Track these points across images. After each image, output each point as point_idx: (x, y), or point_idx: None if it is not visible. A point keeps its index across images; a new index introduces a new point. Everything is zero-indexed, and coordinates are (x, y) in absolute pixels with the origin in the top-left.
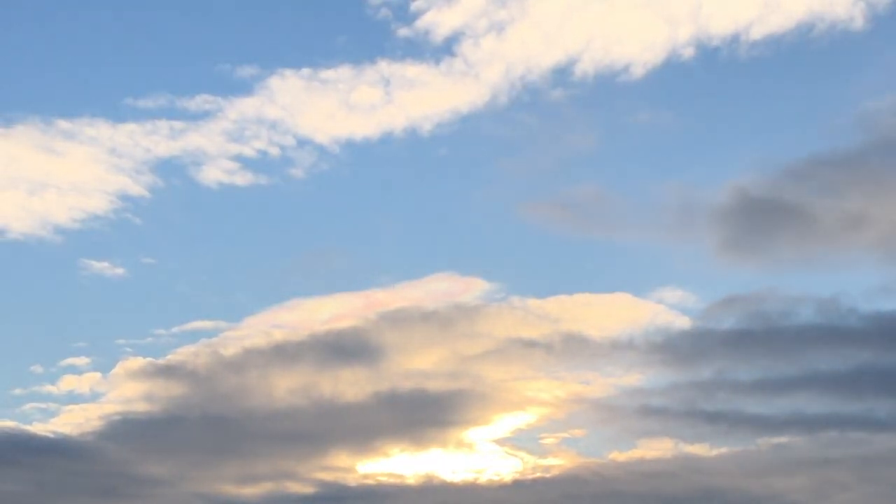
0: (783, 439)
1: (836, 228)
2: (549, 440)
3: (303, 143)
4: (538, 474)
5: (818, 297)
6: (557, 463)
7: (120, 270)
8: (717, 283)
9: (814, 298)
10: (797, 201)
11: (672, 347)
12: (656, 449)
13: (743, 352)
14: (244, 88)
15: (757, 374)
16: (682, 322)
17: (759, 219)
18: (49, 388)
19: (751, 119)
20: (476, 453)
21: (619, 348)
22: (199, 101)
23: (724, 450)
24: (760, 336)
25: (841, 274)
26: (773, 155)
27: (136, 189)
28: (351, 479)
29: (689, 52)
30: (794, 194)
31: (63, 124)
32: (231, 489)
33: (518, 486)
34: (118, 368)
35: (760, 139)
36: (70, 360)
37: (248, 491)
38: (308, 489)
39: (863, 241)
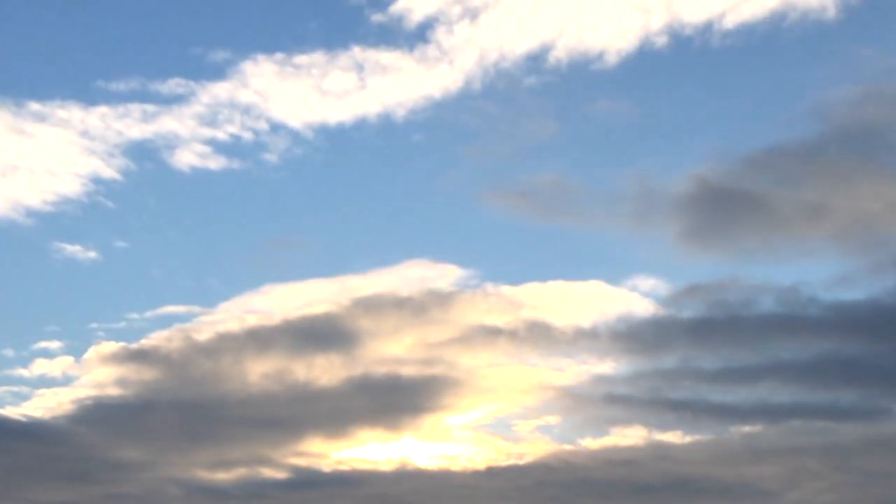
0: (751, 428)
1: (796, 218)
2: (522, 427)
3: (276, 127)
4: (511, 461)
5: (779, 286)
6: (530, 450)
7: (92, 254)
8: (679, 272)
9: (775, 288)
10: (757, 191)
11: (638, 336)
12: (628, 437)
13: (706, 341)
14: (217, 73)
15: (720, 363)
16: (653, 310)
17: (720, 208)
18: (21, 371)
19: (714, 108)
20: (450, 440)
21: (590, 336)
22: (172, 85)
23: (694, 438)
24: (722, 325)
25: (801, 264)
26: (733, 144)
27: (109, 172)
28: (325, 465)
29: (662, 41)
30: (754, 184)
31: (34, 107)
32: (204, 474)
33: (491, 473)
34: (91, 353)
35: (721, 128)
36: (42, 344)
37: (222, 476)
38: (282, 474)
39: (822, 231)
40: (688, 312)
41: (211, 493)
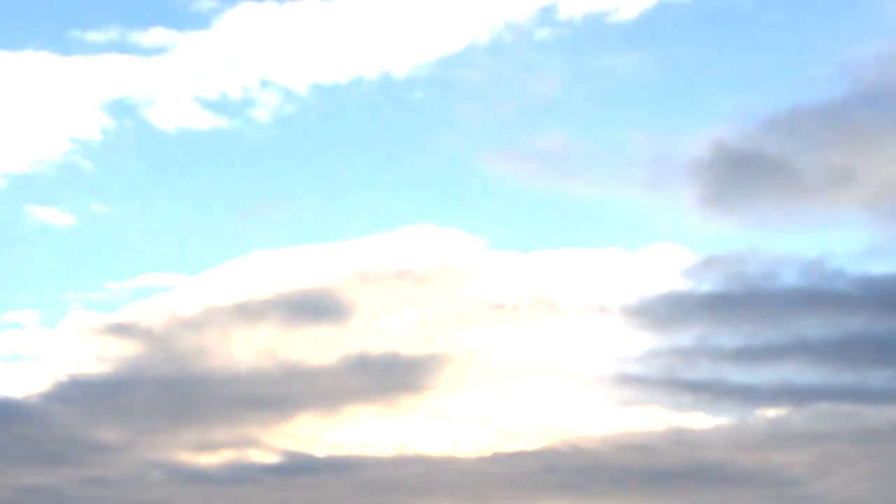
0: (775, 411)
1: (822, 184)
2: (530, 409)
3: (266, 83)
4: (518, 446)
5: (803, 257)
6: (539, 434)
7: (68, 218)
8: (695, 242)
9: (798, 259)
10: (780, 155)
11: (652, 311)
12: (643, 420)
13: (725, 317)
14: (202, 22)
15: (740, 341)
16: (668, 283)
17: (740, 173)
18: None
19: (735, 65)
20: (453, 423)
21: (603, 311)
22: (153, 36)
23: (715, 422)
24: (742, 300)
25: (827, 233)
26: (755, 105)
27: (86, 131)
28: (318, 449)
29: None
30: (777, 147)
31: (2, 56)
32: (188, 457)
33: (497, 458)
34: (66, 325)
35: (742, 87)
36: (13, 315)
37: (207, 459)
38: (272, 458)
39: (850, 198)
40: (705, 286)
41: (195, 476)
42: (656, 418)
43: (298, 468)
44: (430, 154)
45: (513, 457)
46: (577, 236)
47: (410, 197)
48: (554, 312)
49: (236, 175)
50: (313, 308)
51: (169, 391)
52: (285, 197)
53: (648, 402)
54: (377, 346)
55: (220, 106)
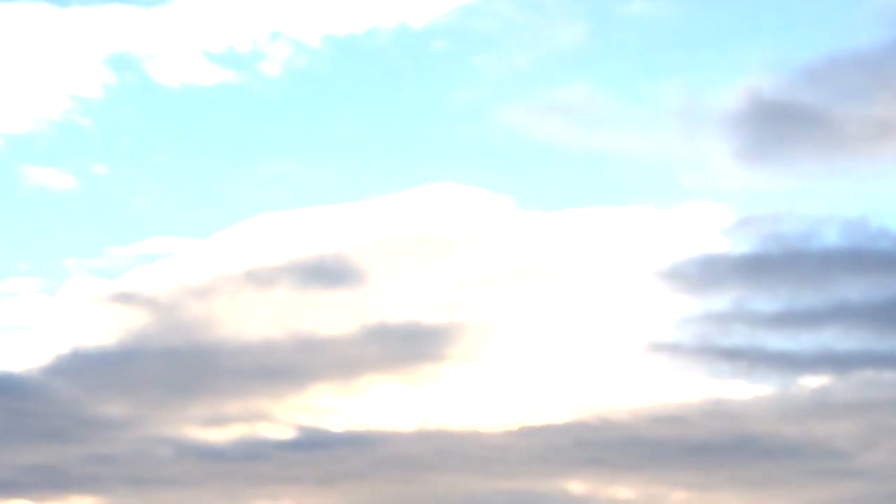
0: (818, 379)
1: (864, 137)
2: (559, 381)
3: (277, 35)
4: (547, 420)
5: (845, 216)
6: (569, 407)
7: (68, 180)
8: (729, 200)
9: (840, 218)
10: (819, 106)
11: (684, 274)
12: (678, 391)
13: (761, 279)
14: None
15: (778, 305)
16: (700, 244)
17: (776, 126)
18: None
19: (770, 12)
20: (477, 394)
21: (636, 274)
22: None
23: (754, 392)
24: (780, 261)
25: (870, 189)
26: (792, 53)
27: (86, 87)
28: (334, 423)
29: None
30: (816, 98)
31: None
32: (197, 432)
33: (524, 432)
34: (66, 293)
35: (778, 35)
36: (10, 283)
37: (217, 435)
38: (285, 434)
39: (894, 151)
40: (741, 247)
41: (204, 453)
42: (691, 388)
43: (313, 443)
44: (449, 108)
45: (540, 430)
46: (607, 194)
47: (429, 154)
48: (583, 276)
49: (245, 132)
50: (328, 273)
51: (176, 363)
52: (297, 155)
53: (683, 371)
54: (396, 313)
55: (227, 59)
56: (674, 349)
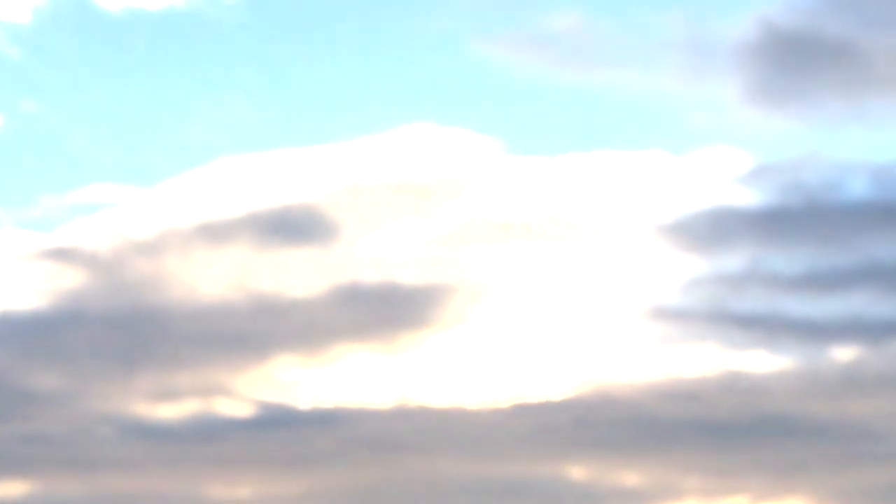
0: (847, 350)
1: (894, 73)
2: (557, 351)
3: None
4: (544, 396)
5: (873, 163)
6: (568, 381)
7: None
8: (741, 145)
9: (868, 165)
10: (843, 37)
11: (693, 230)
12: (692, 364)
13: (779, 236)
14: None
15: (799, 266)
16: (709, 196)
17: (794, 60)
18: None
19: None
20: (463, 367)
21: (640, 229)
22: None
23: (777, 364)
24: (801, 215)
25: None
26: None
27: (13, 12)
28: (300, 398)
29: None
30: (839, 27)
31: None
32: (144, 408)
33: (519, 410)
34: None
35: None
36: None
37: (167, 411)
38: (244, 410)
39: None
40: (756, 198)
41: (152, 432)
42: (706, 360)
43: (276, 422)
44: (426, 38)
45: (535, 408)
46: (604, 137)
47: (407, 90)
48: (582, 230)
49: (198, 65)
50: (293, 227)
51: (119, 329)
52: (257, 92)
53: (695, 341)
54: (371, 272)
55: None
56: (682, 315)
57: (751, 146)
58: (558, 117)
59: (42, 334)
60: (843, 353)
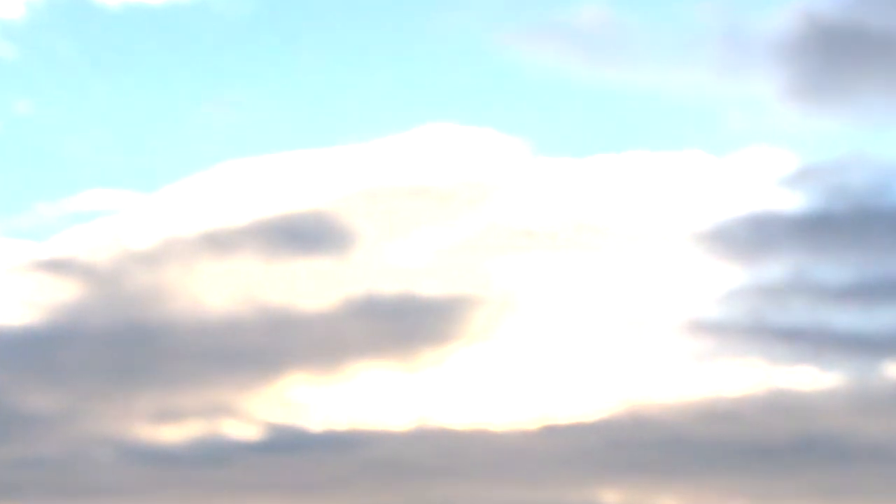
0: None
1: None
2: (587, 368)
3: None
4: (574, 417)
5: None
6: (601, 401)
7: None
8: (783, 146)
9: None
10: (889, 30)
11: (733, 237)
12: (733, 382)
13: (824, 243)
14: None
15: (847, 275)
16: (748, 201)
17: (838, 54)
18: None
19: None
20: (488, 385)
21: (676, 237)
22: None
23: (827, 381)
24: (847, 220)
25: None
26: None
27: (6, 7)
28: (313, 420)
29: None
30: (885, 21)
31: None
32: (144, 431)
33: (548, 433)
34: None
35: None
36: None
37: (170, 433)
38: (252, 433)
39: None
40: (799, 203)
41: (154, 456)
42: (748, 378)
43: (287, 444)
44: (447, 32)
45: (565, 430)
46: (636, 139)
47: (427, 87)
48: (616, 239)
49: (202, 64)
50: (305, 236)
51: (118, 345)
52: (266, 91)
53: (736, 357)
54: (388, 284)
55: None
56: (721, 329)
57: (792, 147)
58: (588, 116)
59: (35, 351)
60: None
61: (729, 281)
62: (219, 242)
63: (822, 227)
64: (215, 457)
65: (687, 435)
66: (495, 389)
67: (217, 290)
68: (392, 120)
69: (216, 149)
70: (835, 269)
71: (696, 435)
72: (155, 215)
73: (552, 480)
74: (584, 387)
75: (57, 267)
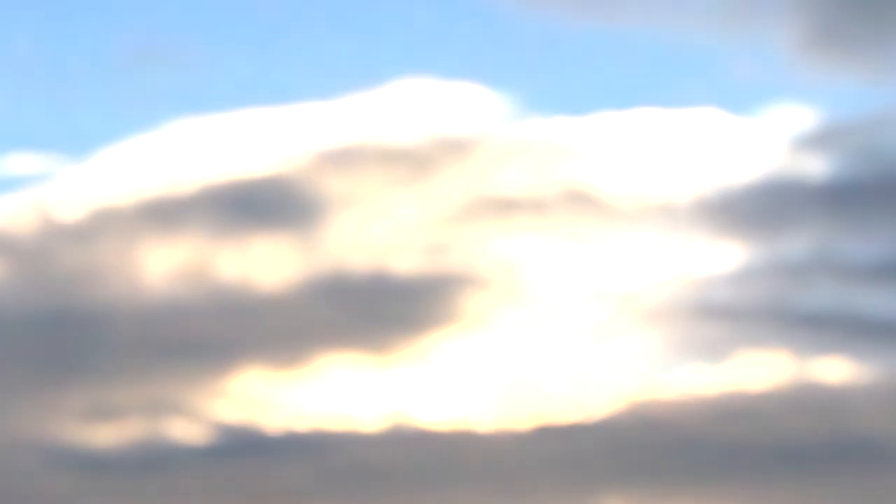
0: None
1: None
2: (586, 359)
3: None
4: (574, 417)
5: None
6: (602, 398)
7: None
8: (803, 104)
9: None
10: None
11: (743, 207)
12: (754, 374)
13: (852, 214)
14: None
15: (877, 250)
16: (765, 166)
17: (863, 1)
18: None
19: None
20: (475, 380)
21: (685, 209)
22: None
23: (856, 374)
24: (875, 187)
25: None
26: None
27: None
28: (271, 419)
29: None
30: None
31: None
32: (76, 431)
33: (543, 435)
34: None
35: None
36: None
37: (104, 435)
38: (200, 434)
39: None
40: (821, 168)
41: (88, 462)
42: (768, 370)
43: (241, 448)
44: None
45: (563, 432)
46: (640, 92)
47: (401, 37)
48: (615, 209)
49: (146, 9)
50: (262, 206)
51: (45, 333)
52: (219, 40)
53: (754, 346)
54: (358, 262)
55: None
56: (737, 315)
57: (813, 105)
58: (584, 69)
59: None
60: None
61: (744, 259)
62: (162, 214)
63: (849, 196)
64: (157, 462)
65: (700, 436)
66: (483, 384)
67: (160, 270)
68: (362, 73)
69: (160, 107)
70: (865, 243)
71: (710, 436)
72: (88, 183)
73: (547, 489)
74: (583, 382)
75: None
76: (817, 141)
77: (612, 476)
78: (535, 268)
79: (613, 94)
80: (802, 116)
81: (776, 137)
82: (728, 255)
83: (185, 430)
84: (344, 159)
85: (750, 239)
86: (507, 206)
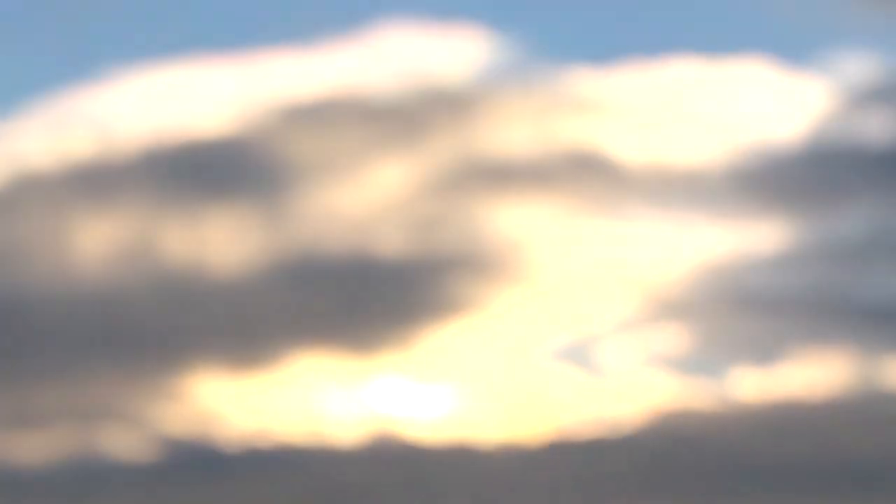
0: None
1: None
2: (604, 358)
3: None
4: (596, 431)
5: None
6: (623, 408)
7: None
8: (856, 59)
9: None
10: None
11: (781, 179)
12: (800, 375)
13: None
14: None
15: None
16: (804, 129)
17: None
18: None
19: None
20: (471, 382)
21: (723, 179)
22: None
23: None
24: None
25: None
26: None
27: None
28: (229, 432)
29: None
30: None
31: None
32: None
33: (555, 452)
34: None
35: None
36: None
37: (28, 446)
38: (142, 448)
39: None
40: (882, 130)
41: (4, 480)
42: (821, 372)
43: (191, 465)
44: None
45: (580, 449)
46: (667, 39)
47: None
48: (637, 178)
49: None
50: (216, 172)
51: None
52: None
53: (803, 343)
54: (332, 241)
55: None
56: (781, 306)
57: (878, 52)
58: (604, 7)
59: None
60: None
61: (789, 239)
62: (96, 181)
63: None
64: (90, 479)
65: (745, 454)
66: (482, 390)
67: (94, 248)
68: (337, 14)
69: (98, 52)
70: None
71: (756, 454)
72: (6, 144)
73: None
74: (602, 389)
75: None
76: (882, 96)
77: (637, 495)
78: (544, 249)
79: (639, 39)
80: (864, 67)
81: (832, 92)
82: (773, 235)
83: (122, 443)
84: (315, 117)
85: (799, 215)
86: (510, 174)
